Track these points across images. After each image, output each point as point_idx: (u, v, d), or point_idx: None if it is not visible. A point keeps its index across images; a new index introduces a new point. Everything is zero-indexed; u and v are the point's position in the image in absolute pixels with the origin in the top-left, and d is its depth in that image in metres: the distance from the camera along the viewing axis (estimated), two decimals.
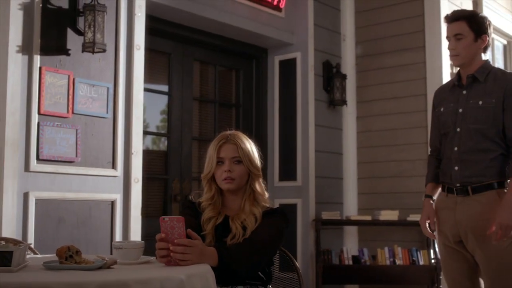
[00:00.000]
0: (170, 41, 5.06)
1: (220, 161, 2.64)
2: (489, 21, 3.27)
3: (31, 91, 3.66)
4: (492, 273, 3.11)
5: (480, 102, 3.17)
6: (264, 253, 2.51)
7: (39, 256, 2.75)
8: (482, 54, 3.26)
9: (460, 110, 3.23)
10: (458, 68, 3.33)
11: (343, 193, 5.87)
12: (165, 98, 5.06)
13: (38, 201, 3.65)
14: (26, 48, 3.66)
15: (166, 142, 5.06)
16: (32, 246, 3.29)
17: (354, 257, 5.43)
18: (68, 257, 2.12)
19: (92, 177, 3.92)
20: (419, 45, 5.60)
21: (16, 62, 3.60)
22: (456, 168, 3.20)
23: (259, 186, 2.68)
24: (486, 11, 6.01)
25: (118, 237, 4.01)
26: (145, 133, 4.66)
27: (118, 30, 4.10)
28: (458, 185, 3.19)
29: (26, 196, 3.61)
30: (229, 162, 2.63)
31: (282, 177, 5.62)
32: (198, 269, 2.11)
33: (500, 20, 6.40)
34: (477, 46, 3.21)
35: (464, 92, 3.25)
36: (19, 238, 3.48)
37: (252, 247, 2.45)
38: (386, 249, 5.37)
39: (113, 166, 4.04)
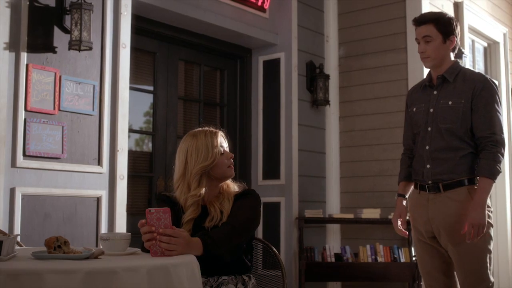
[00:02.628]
0: (155, 40, 5.09)
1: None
2: (456, 21, 3.33)
3: (18, 88, 3.70)
4: (465, 267, 3.18)
5: (450, 102, 3.25)
6: (245, 234, 2.61)
7: (27, 247, 2.79)
8: (451, 54, 3.34)
9: (431, 110, 3.31)
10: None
11: (326, 192, 5.92)
12: (150, 97, 5.09)
13: (25, 197, 3.69)
14: (13, 45, 3.69)
15: (151, 141, 5.10)
16: (19, 239, 3.32)
17: (336, 255, 5.48)
18: (57, 247, 2.16)
19: (78, 173, 3.96)
20: (401, 47, 5.68)
21: (3, 59, 3.63)
22: (428, 166, 3.27)
23: None
24: (467, 14, 6.11)
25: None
26: (131, 131, 4.71)
27: (104, 29, 4.15)
28: (430, 182, 3.26)
29: (12, 191, 3.64)
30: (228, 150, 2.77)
31: (266, 176, 5.67)
32: (184, 259, 2.17)
33: (480, 22, 6.49)
34: (446, 48, 3.28)
35: (435, 92, 3.33)
36: None
37: (233, 230, 2.53)
38: (368, 246, 5.45)
39: (99, 163, 4.08)
